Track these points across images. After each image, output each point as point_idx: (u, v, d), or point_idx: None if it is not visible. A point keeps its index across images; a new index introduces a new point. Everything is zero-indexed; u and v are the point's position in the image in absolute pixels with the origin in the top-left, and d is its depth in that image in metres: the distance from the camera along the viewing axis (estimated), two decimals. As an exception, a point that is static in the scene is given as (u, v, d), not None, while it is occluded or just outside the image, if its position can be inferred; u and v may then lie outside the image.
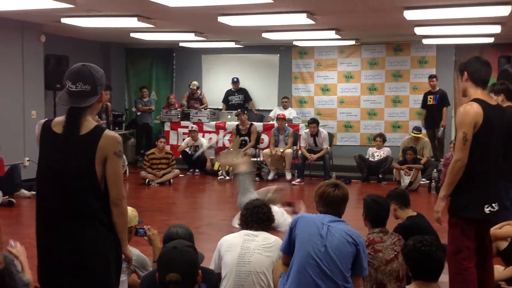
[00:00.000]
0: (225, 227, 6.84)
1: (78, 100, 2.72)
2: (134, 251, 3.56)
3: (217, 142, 7.87)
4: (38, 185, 2.81)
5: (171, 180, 9.96)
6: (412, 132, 10.00)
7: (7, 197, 7.85)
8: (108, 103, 9.36)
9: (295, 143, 10.53)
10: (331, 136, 10.66)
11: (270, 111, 12.22)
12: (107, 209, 2.73)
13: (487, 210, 3.50)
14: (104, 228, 2.73)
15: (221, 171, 10.41)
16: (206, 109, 12.01)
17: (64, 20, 8.60)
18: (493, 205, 3.53)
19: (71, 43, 11.25)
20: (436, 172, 9.19)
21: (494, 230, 4.24)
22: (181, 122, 11.66)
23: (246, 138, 10.74)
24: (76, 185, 2.68)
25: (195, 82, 12.40)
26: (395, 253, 3.74)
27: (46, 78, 9.96)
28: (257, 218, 3.87)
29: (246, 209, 3.96)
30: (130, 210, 3.71)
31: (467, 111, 3.49)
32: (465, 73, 3.62)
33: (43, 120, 2.85)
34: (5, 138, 8.85)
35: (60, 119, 2.78)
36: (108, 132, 2.74)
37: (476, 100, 3.53)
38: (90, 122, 2.74)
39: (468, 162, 3.47)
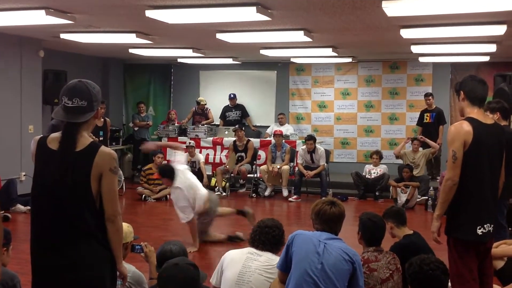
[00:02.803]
0: (222, 243, 6.82)
1: (74, 116, 2.73)
2: (129, 268, 3.54)
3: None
4: (33, 201, 2.80)
5: (168, 195, 9.94)
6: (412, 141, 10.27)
7: (2, 212, 7.83)
8: (107, 118, 9.37)
9: (292, 159, 10.54)
10: (328, 153, 10.68)
11: (267, 127, 12.26)
12: (102, 226, 2.73)
13: (479, 231, 3.47)
14: (99, 245, 2.72)
15: (218, 187, 10.40)
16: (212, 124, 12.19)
17: (63, 36, 8.65)
18: (485, 226, 3.49)
19: (69, 58, 11.29)
20: (433, 190, 9.20)
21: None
22: (179, 137, 11.66)
23: (243, 154, 10.75)
24: (72, 202, 2.68)
25: (202, 98, 12.46)
26: (390, 272, 3.73)
27: (44, 93, 9.98)
28: (265, 238, 3.77)
29: (258, 226, 3.87)
30: (126, 226, 3.70)
31: (456, 130, 3.51)
32: (461, 92, 3.62)
33: (38, 137, 2.85)
34: (2, 153, 8.85)
35: (55, 135, 2.78)
36: (103, 148, 2.74)
37: (468, 118, 3.54)
38: (85, 138, 2.75)
39: (460, 181, 3.46)
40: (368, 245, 3.91)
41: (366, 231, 3.93)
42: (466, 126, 3.48)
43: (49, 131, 6.75)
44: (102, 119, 8.83)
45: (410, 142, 10.33)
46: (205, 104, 12.37)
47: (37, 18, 6.77)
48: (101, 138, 8.58)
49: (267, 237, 3.78)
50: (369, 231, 3.92)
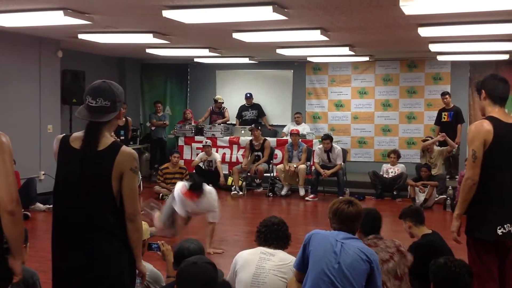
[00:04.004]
0: (238, 242, 6.84)
1: (98, 116, 2.75)
2: (147, 267, 3.57)
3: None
4: (55, 200, 2.84)
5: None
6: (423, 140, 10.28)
7: (22, 210, 7.90)
8: (129, 118, 9.46)
9: (308, 158, 10.52)
10: (345, 152, 10.64)
11: (283, 126, 12.25)
12: (122, 224, 2.75)
13: (499, 231, 3.43)
14: (119, 243, 2.74)
15: (234, 186, 10.42)
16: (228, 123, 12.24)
17: (81, 36, 8.73)
18: (505, 226, 3.44)
19: (87, 58, 11.40)
20: (452, 189, 9.13)
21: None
22: (195, 137, 11.72)
23: (260, 153, 10.76)
24: (93, 200, 2.71)
25: (219, 96, 12.50)
26: (390, 254, 3.77)
27: (62, 93, 10.09)
28: (276, 236, 3.81)
29: (265, 226, 3.90)
30: (143, 224, 3.72)
31: (477, 129, 3.48)
32: (483, 91, 3.59)
33: (61, 135, 2.88)
34: (22, 152, 8.92)
35: (78, 134, 2.81)
36: (125, 148, 2.77)
37: (488, 117, 3.50)
38: (107, 138, 2.77)
39: (480, 180, 3.43)
40: (366, 235, 3.94)
41: (362, 222, 3.94)
42: (487, 125, 3.45)
43: None
44: (124, 119, 8.91)
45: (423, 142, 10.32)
46: (222, 103, 12.40)
47: (56, 18, 6.84)
48: (122, 137, 8.65)
49: (278, 234, 3.83)
50: (364, 222, 3.93)
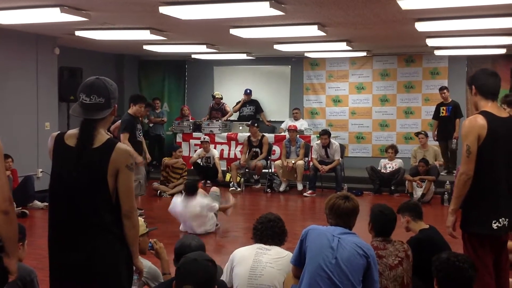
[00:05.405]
0: (237, 238, 6.85)
1: (92, 113, 2.75)
2: (145, 263, 3.58)
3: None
4: (51, 198, 2.83)
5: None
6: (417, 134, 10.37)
7: (20, 208, 7.91)
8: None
9: (306, 154, 10.52)
10: (342, 148, 10.64)
11: (281, 122, 12.25)
12: (118, 221, 2.75)
13: (494, 225, 3.44)
14: (115, 240, 2.74)
15: (232, 183, 10.43)
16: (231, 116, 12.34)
17: (78, 33, 8.71)
18: (500, 220, 3.45)
19: (84, 55, 11.38)
20: (449, 184, 9.14)
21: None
22: (193, 133, 11.72)
23: (258, 149, 10.76)
24: (88, 198, 2.70)
25: (217, 92, 12.51)
26: (399, 259, 3.72)
27: (60, 90, 10.07)
28: (272, 232, 3.84)
29: (261, 223, 3.92)
30: (139, 220, 3.74)
31: (470, 124, 3.48)
32: (473, 87, 3.60)
33: (56, 133, 2.88)
34: (19, 150, 8.93)
35: (73, 132, 2.81)
36: (120, 145, 2.77)
37: (482, 112, 3.51)
38: (102, 135, 2.77)
39: (475, 175, 3.44)
40: (377, 235, 3.92)
41: (376, 223, 3.92)
42: (481, 120, 3.45)
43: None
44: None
45: (416, 136, 10.37)
46: (221, 98, 12.40)
47: (52, 15, 6.83)
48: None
49: (274, 230, 3.85)
50: (380, 224, 3.91)
